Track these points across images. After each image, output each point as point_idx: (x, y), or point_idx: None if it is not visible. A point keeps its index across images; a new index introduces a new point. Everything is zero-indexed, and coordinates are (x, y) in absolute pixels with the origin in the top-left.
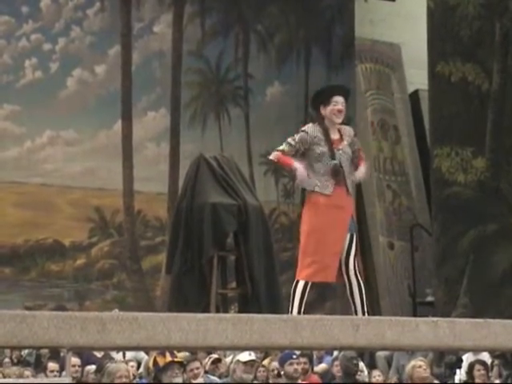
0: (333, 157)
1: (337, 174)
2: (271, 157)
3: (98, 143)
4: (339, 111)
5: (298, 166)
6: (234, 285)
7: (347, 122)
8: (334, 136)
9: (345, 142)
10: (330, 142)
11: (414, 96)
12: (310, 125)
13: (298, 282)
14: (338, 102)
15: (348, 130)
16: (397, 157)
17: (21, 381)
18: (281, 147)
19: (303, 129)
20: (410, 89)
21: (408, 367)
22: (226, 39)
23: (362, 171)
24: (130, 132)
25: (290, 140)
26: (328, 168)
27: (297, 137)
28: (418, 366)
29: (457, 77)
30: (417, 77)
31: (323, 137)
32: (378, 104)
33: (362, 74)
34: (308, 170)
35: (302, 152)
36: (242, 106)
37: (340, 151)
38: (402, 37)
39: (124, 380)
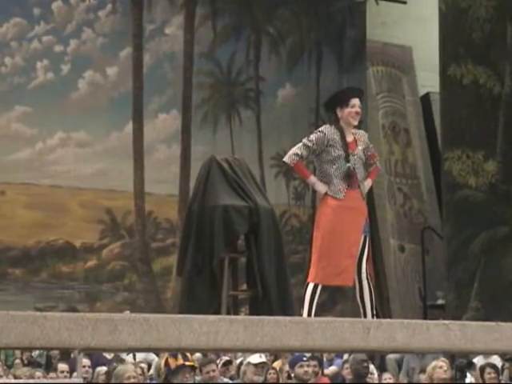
0: (347, 160)
1: (350, 177)
2: (287, 160)
3: (109, 145)
4: (357, 113)
5: (315, 181)
6: (244, 287)
7: (358, 124)
8: (349, 139)
9: (359, 147)
10: (346, 146)
11: (426, 99)
12: (327, 126)
13: (308, 284)
14: (356, 104)
15: (362, 135)
16: (408, 160)
17: (31, 381)
18: (297, 151)
19: (320, 129)
20: (422, 91)
21: (429, 367)
22: (237, 41)
23: (368, 184)
24: (141, 134)
25: (305, 141)
26: (342, 171)
27: (313, 137)
28: (439, 366)
29: (468, 79)
30: (428, 79)
31: (339, 139)
32: (389, 107)
33: (374, 77)
34: (320, 171)
35: (317, 153)
36: (254, 108)
37: (355, 156)
38: (413, 39)
39: (132, 381)
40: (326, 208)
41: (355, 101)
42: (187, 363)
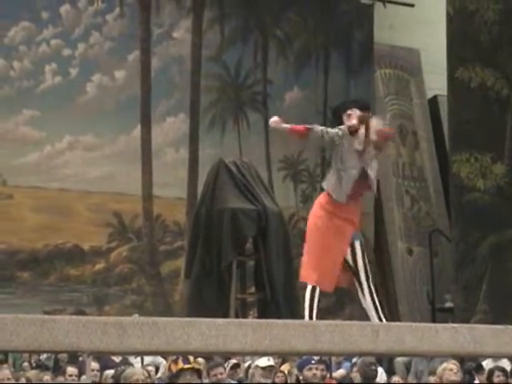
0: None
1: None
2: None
3: (117, 148)
4: (349, 115)
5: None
6: (253, 290)
7: None
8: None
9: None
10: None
11: (433, 101)
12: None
13: (307, 285)
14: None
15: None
16: (416, 162)
17: None
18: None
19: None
20: (429, 94)
21: (439, 369)
22: (245, 44)
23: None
24: (149, 137)
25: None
26: (350, 177)
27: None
28: (449, 368)
29: (476, 82)
30: (436, 82)
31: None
32: (396, 109)
33: (381, 80)
34: (334, 174)
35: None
36: (261, 111)
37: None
38: (421, 42)
39: None
40: (322, 206)
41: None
42: (186, 366)
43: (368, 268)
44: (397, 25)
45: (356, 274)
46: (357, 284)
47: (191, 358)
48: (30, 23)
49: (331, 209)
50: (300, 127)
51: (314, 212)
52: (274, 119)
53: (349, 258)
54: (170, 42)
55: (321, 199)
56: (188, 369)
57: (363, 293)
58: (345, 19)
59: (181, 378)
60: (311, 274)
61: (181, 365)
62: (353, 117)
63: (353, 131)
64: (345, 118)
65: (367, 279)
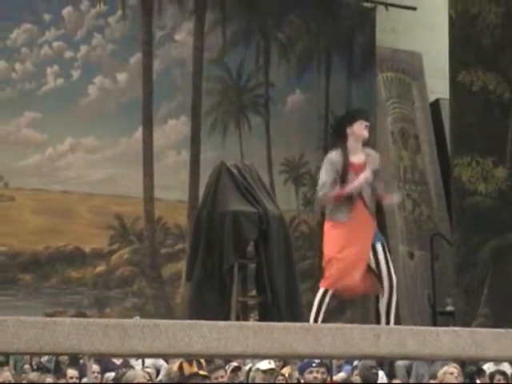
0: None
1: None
2: (323, 201)
3: (118, 151)
4: (366, 126)
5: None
6: (254, 293)
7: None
8: (357, 160)
9: (368, 170)
10: (346, 171)
11: (435, 105)
12: (334, 153)
13: (319, 289)
14: (363, 122)
15: (373, 158)
16: (417, 166)
17: None
18: (322, 189)
19: (328, 157)
20: (431, 98)
21: (439, 372)
22: (246, 47)
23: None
24: (151, 139)
25: (324, 177)
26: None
27: (326, 168)
28: (450, 372)
29: (478, 86)
30: (438, 86)
31: (342, 165)
32: (398, 113)
33: (383, 83)
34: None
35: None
36: (263, 114)
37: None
38: (423, 45)
39: None
40: (332, 230)
41: (363, 121)
42: (201, 372)
43: (391, 270)
44: (399, 28)
45: (379, 276)
46: (379, 285)
47: (203, 363)
48: (32, 25)
49: (340, 226)
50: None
51: (325, 240)
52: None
53: (372, 261)
54: (171, 45)
55: (326, 228)
56: (201, 375)
57: (382, 294)
58: (347, 22)
59: (192, 380)
60: (325, 278)
61: (195, 368)
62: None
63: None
64: (350, 127)
65: (390, 283)
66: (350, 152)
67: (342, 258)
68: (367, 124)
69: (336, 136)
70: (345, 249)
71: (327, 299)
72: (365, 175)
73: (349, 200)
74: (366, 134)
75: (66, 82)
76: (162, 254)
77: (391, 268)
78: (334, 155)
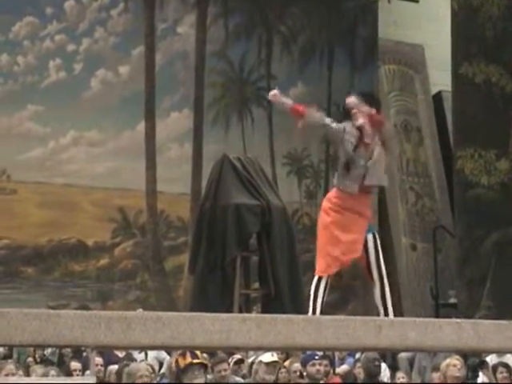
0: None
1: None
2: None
3: (121, 144)
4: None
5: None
6: (256, 285)
7: None
8: (368, 140)
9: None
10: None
11: (437, 97)
12: (347, 122)
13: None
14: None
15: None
16: (420, 158)
17: (44, 380)
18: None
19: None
20: (434, 90)
21: (442, 365)
22: (249, 40)
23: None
24: (154, 132)
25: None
26: (357, 171)
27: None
28: (453, 364)
29: (480, 78)
30: (440, 78)
31: (358, 138)
32: (401, 105)
33: (385, 75)
34: (340, 168)
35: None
36: (265, 107)
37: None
38: (425, 38)
39: (145, 380)
40: (328, 204)
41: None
42: (195, 361)
43: (381, 262)
44: (401, 21)
45: (368, 268)
46: (370, 277)
47: (197, 352)
48: (35, 18)
49: (340, 202)
50: (300, 107)
51: (322, 207)
52: (273, 92)
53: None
54: (174, 38)
55: (329, 194)
56: (197, 363)
57: (374, 287)
58: (349, 15)
59: (189, 372)
60: (318, 265)
61: (189, 359)
62: (359, 116)
63: (361, 128)
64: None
65: (379, 273)
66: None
67: (328, 252)
68: (355, 111)
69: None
70: (335, 241)
71: (322, 285)
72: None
73: (357, 177)
74: (360, 122)
75: (68, 75)
76: (164, 246)
77: (381, 259)
78: (348, 125)
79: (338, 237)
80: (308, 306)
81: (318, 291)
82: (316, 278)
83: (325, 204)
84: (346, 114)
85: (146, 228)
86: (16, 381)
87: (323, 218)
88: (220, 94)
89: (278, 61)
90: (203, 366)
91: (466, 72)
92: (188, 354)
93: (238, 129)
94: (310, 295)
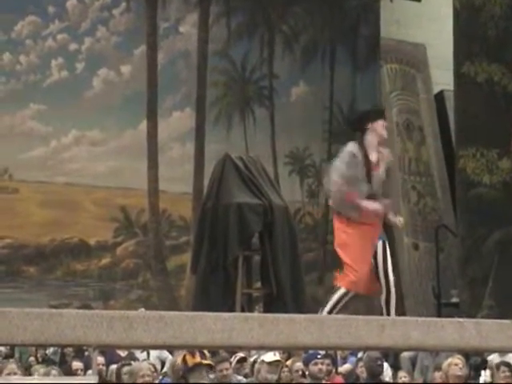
0: (369, 181)
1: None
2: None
3: (123, 143)
4: (385, 127)
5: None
6: (259, 285)
7: None
8: (373, 158)
9: (381, 168)
10: (368, 166)
11: (440, 96)
12: (354, 145)
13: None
14: (384, 123)
15: (386, 155)
16: (422, 158)
17: (46, 380)
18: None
19: (350, 150)
20: (436, 89)
21: (444, 364)
22: (251, 39)
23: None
24: (155, 132)
25: (345, 170)
26: (362, 192)
27: (348, 161)
28: (455, 363)
29: (482, 77)
30: (442, 77)
31: (363, 159)
32: (403, 104)
33: (387, 75)
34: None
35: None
36: (267, 106)
37: (375, 176)
38: (427, 37)
39: (147, 379)
40: (345, 227)
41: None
42: (204, 362)
43: (388, 270)
44: (403, 20)
45: (376, 272)
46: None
47: (206, 353)
48: (37, 17)
49: (353, 224)
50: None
51: (337, 234)
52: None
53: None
54: (176, 37)
55: (339, 223)
56: (205, 364)
57: (380, 290)
58: (351, 14)
59: (197, 371)
60: (347, 280)
61: (198, 359)
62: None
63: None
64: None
65: (386, 281)
66: (367, 147)
67: (357, 270)
68: (386, 124)
69: (354, 128)
70: (360, 260)
71: (346, 298)
72: (382, 207)
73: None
74: (385, 133)
75: (70, 75)
76: (166, 246)
77: (389, 266)
78: (355, 147)
79: (361, 259)
80: (314, 307)
81: (339, 302)
82: (343, 291)
83: (338, 231)
84: (353, 125)
85: (147, 227)
86: (18, 380)
87: (346, 229)
88: (222, 93)
89: (280, 60)
90: (210, 367)
91: (468, 71)
92: (197, 354)
93: (240, 128)
94: (331, 300)
